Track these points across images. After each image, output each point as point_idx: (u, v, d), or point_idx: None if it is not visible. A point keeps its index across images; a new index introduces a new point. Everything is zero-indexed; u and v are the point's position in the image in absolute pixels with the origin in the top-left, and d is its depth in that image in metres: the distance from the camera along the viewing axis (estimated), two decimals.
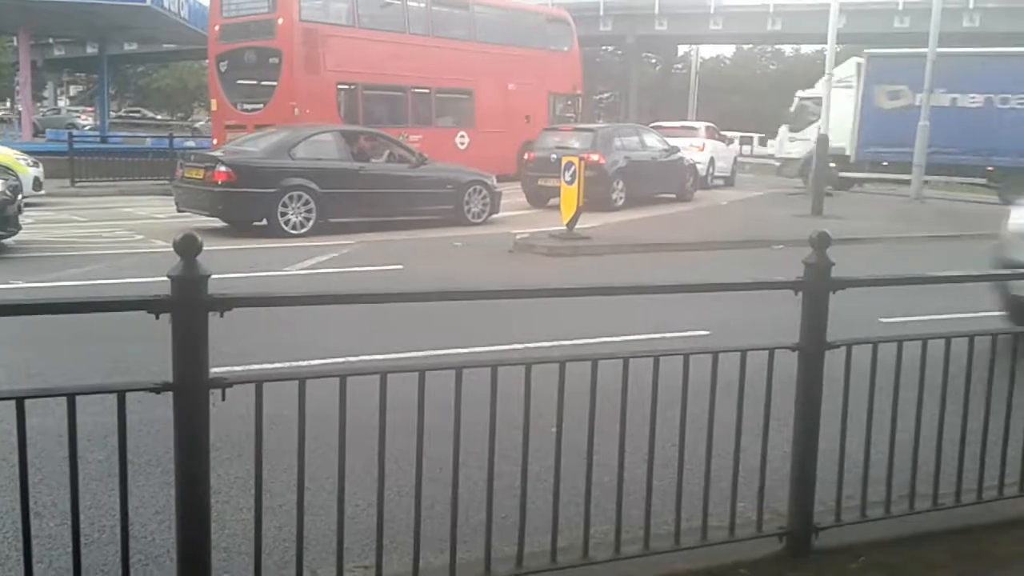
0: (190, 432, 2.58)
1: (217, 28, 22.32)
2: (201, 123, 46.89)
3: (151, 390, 2.55)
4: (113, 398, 2.54)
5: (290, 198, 13.45)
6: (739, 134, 34.43)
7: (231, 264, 10.11)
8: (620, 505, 3.21)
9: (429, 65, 23.17)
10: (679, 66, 64.57)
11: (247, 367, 5.59)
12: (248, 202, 13.34)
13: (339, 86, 21.80)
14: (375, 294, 3.91)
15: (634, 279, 4.93)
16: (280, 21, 20.81)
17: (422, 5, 23.66)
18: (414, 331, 6.82)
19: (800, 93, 28.50)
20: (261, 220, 13.51)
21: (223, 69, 22.43)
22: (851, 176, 26.19)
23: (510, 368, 3.01)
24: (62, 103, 59.90)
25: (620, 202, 18.44)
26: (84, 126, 39.43)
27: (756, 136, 48.56)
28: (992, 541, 3.71)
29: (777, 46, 66.28)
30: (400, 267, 11.08)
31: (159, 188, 19.19)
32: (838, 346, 3.46)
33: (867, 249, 13.62)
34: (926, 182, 23.79)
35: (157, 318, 2.51)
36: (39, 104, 50.96)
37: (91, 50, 43.90)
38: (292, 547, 2.93)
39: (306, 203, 13.57)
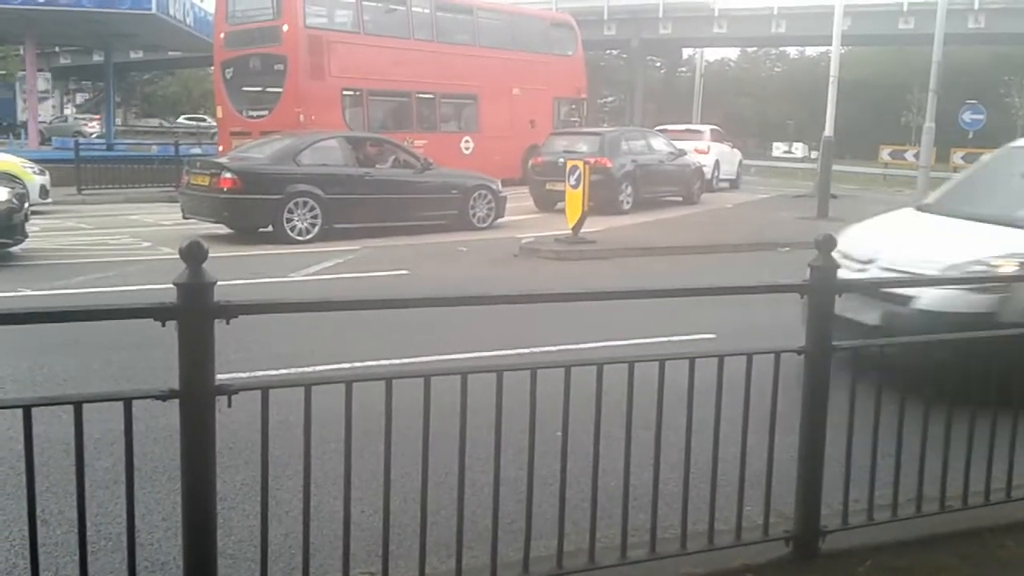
0: (196, 439, 2.58)
1: (222, 35, 22.39)
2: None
3: (157, 397, 2.56)
4: (119, 406, 2.55)
5: (296, 204, 13.47)
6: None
7: (237, 271, 10.14)
8: (626, 509, 3.21)
9: (433, 70, 23.20)
10: (683, 69, 64.57)
11: (253, 374, 5.62)
12: (254, 208, 13.37)
13: (344, 92, 21.84)
14: (381, 300, 3.92)
15: (639, 283, 4.94)
16: (285, 28, 20.86)
17: (426, 11, 23.69)
18: (419, 336, 6.82)
19: None
20: (267, 226, 13.54)
21: (228, 76, 22.50)
22: None
23: (515, 373, 3.02)
24: (68, 111, 60.11)
25: (627, 205, 18.46)
26: (91, 134, 39.43)
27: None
28: (1000, 544, 3.69)
29: (782, 48, 66.22)
30: (406, 272, 11.09)
31: (165, 195, 19.24)
32: (844, 348, 3.45)
33: None
34: None
35: (163, 325, 2.52)
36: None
37: (97, 58, 44.10)
38: (298, 553, 2.93)
39: (312, 209, 13.59)
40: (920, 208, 7.32)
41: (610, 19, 47.04)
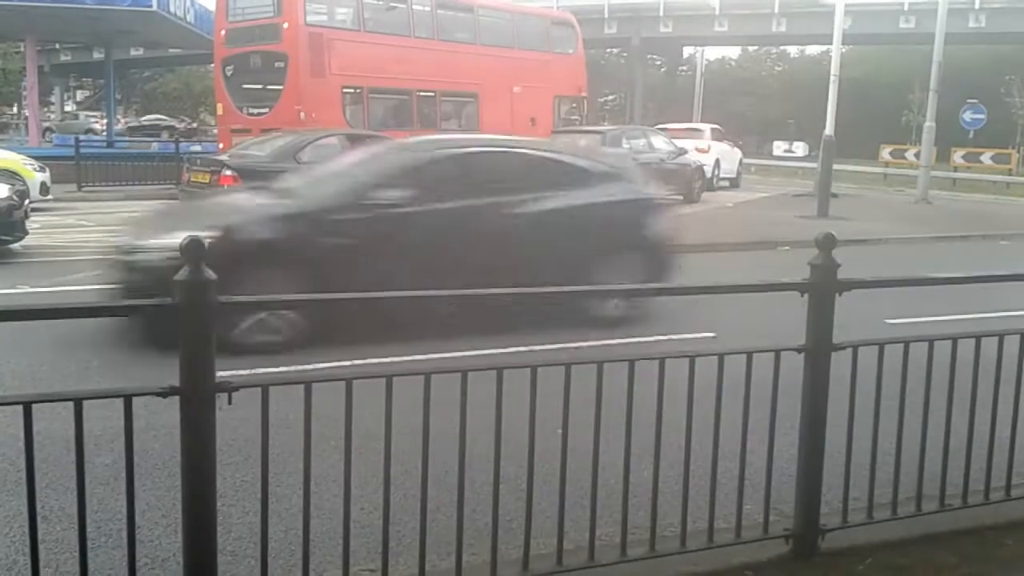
0: (196, 436, 2.58)
1: (223, 33, 22.36)
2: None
3: (158, 394, 2.56)
4: (120, 402, 2.55)
5: None
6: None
7: None
8: (626, 507, 3.21)
9: (434, 68, 23.17)
10: (684, 68, 64.52)
11: (253, 371, 5.61)
12: None
13: (344, 90, 21.81)
14: (380, 297, 3.92)
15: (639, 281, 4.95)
16: (285, 25, 20.83)
17: (427, 9, 23.66)
18: (419, 334, 6.81)
19: None
20: None
21: (229, 73, 22.47)
22: None
23: (515, 371, 3.02)
24: (69, 108, 60.09)
25: None
26: (102, 132, 39.27)
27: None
28: (999, 542, 3.70)
29: (782, 47, 66.15)
30: None
31: (166, 193, 19.20)
32: (844, 347, 3.45)
33: (873, 250, 13.61)
34: None
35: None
36: (46, 109, 51.10)
37: (97, 55, 44.07)
38: (298, 550, 2.94)
39: None
40: None
41: (611, 17, 46.99)
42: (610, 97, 66.94)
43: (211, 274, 2.54)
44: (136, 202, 19.04)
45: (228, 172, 13.18)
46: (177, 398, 2.55)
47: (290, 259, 6.92)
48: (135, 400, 2.56)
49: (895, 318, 7.47)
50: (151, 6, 22.58)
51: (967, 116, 31.33)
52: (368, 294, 4.58)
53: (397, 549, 3.30)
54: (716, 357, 3.28)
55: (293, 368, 5.97)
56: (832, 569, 3.43)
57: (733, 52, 68.23)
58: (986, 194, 29.07)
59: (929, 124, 22.59)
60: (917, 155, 28.99)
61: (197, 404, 2.55)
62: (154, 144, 28.79)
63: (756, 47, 65.41)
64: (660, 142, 20.85)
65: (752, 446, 3.39)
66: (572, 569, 3.13)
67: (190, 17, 26.07)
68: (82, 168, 20.44)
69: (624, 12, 47.48)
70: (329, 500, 3.75)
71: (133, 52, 47.66)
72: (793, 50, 67.76)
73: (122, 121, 45.94)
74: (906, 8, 41.07)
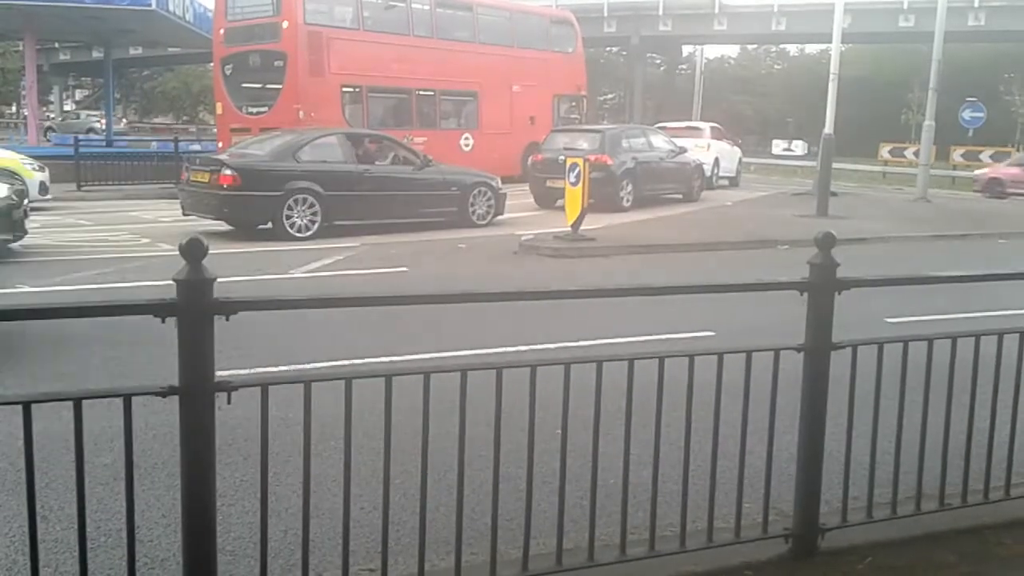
0: (196, 435, 2.58)
1: (222, 32, 22.37)
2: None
3: (157, 394, 2.56)
4: (119, 402, 2.55)
5: (295, 201, 13.46)
6: None
7: (237, 267, 10.14)
8: (625, 507, 3.21)
9: (433, 67, 23.20)
10: (683, 67, 64.58)
11: (253, 370, 5.61)
12: (253, 205, 13.35)
13: (344, 88, 21.83)
14: (380, 297, 3.92)
15: (639, 280, 4.95)
16: (285, 24, 20.85)
17: (426, 7, 23.68)
18: (419, 333, 6.82)
19: None
20: (266, 223, 13.52)
21: (228, 72, 22.48)
22: None
23: (515, 370, 3.02)
24: (68, 107, 60.10)
25: (628, 203, 18.45)
26: (103, 131, 39.19)
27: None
28: (998, 541, 3.70)
29: (782, 46, 66.17)
30: (405, 269, 11.09)
31: (165, 192, 19.20)
32: (844, 346, 3.45)
33: (873, 249, 13.61)
34: None
35: (163, 322, 2.52)
36: (45, 108, 51.09)
37: (96, 54, 44.09)
38: (298, 550, 2.93)
39: (311, 206, 13.58)
40: None
41: (610, 16, 47.03)
42: (609, 96, 67.01)
43: (211, 273, 2.54)
44: (135, 201, 19.08)
45: (227, 171, 13.18)
46: (176, 398, 2.55)
47: None
48: (134, 400, 2.56)
49: (895, 316, 7.48)
50: (150, 5, 22.57)
51: (966, 114, 31.32)
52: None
53: (396, 549, 3.30)
54: (715, 356, 3.28)
55: (293, 367, 5.98)
56: (832, 568, 3.43)
57: (732, 51, 68.30)
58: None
59: (928, 122, 22.59)
60: (916, 153, 29.01)
61: (196, 404, 2.55)
62: (153, 143, 28.76)
63: (755, 46, 65.44)
64: (659, 141, 20.85)
65: (751, 445, 3.38)
66: (572, 569, 3.13)
67: (189, 16, 26.06)
68: (81, 168, 20.43)
69: (623, 11, 47.52)
70: (328, 500, 3.75)
71: (132, 51, 47.71)
72: (792, 49, 67.81)
73: (124, 121, 45.94)
74: (905, 7, 41.10)
